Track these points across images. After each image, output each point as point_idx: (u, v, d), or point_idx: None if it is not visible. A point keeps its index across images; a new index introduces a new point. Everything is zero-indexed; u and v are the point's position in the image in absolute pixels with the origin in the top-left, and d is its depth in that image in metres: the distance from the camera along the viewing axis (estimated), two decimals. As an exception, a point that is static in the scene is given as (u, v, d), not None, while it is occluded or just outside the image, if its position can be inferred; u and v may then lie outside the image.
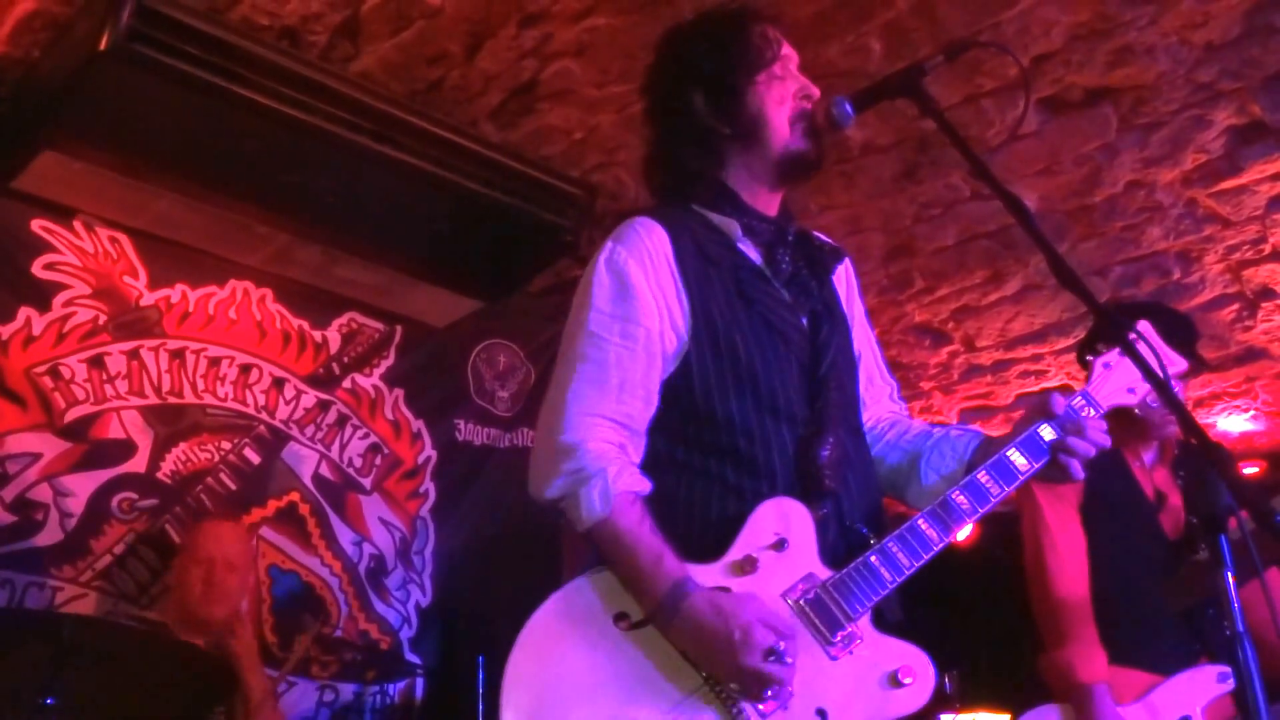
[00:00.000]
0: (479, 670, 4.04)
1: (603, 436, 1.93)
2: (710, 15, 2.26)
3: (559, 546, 4.73)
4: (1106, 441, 2.05)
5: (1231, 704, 3.09)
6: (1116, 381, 2.16)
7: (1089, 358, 2.19)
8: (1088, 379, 2.16)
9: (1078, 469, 2.04)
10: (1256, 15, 3.55)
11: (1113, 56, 3.74)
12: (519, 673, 1.79)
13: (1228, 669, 3.06)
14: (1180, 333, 3.33)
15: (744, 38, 2.17)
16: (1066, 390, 2.15)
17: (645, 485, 1.93)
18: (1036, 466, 2.03)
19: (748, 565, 1.87)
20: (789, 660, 1.78)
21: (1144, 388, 2.16)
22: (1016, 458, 2.03)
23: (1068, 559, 3.16)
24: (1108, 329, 2.02)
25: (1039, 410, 2.08)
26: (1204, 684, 3.07)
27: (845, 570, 1.91)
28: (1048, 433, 2.04)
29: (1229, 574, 2.34)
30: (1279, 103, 3.88)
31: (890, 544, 1.93)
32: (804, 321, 2.11)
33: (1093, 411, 2.10)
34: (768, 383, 2.01)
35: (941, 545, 1.95)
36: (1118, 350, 2.14)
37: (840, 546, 1.95)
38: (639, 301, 2.00)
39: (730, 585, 1.85)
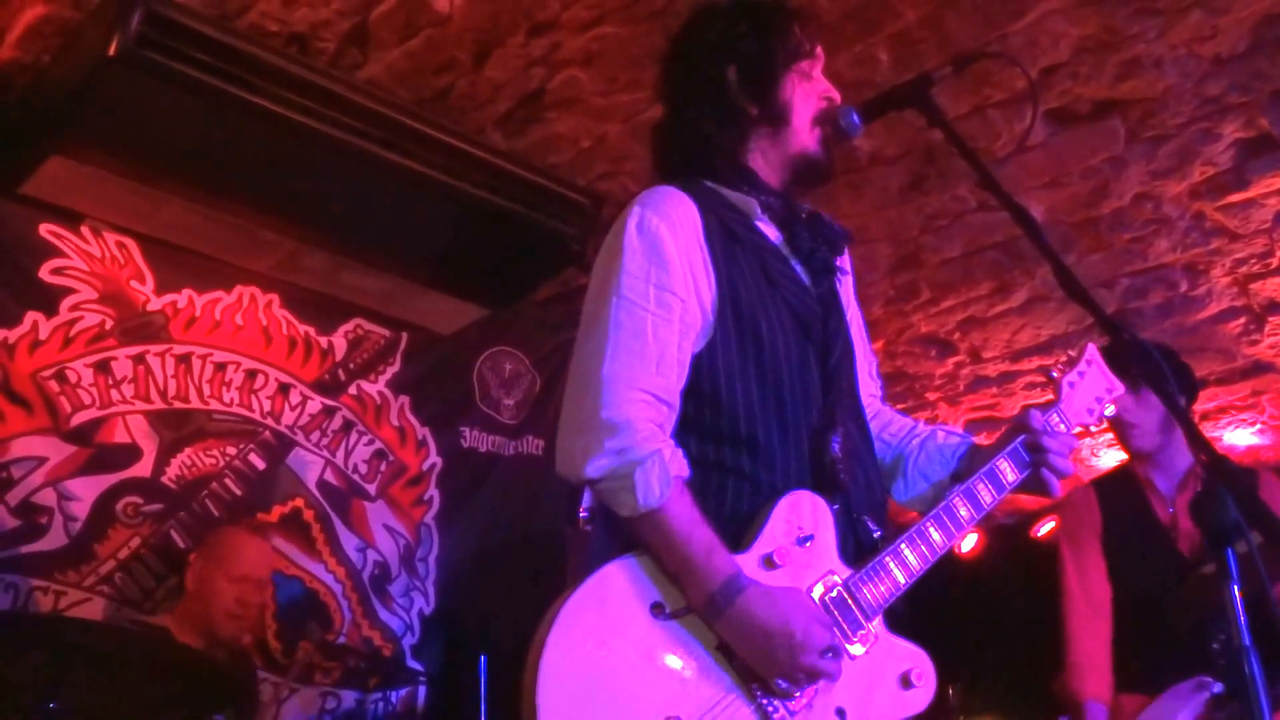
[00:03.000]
0: (481, 678, 4.04)
1: (647, 415, 1.86)
2: (752, 1, 2.23)
3: (563, 554, 4.73)
4: (1071, 467, 2.12)
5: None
6: (1079, 402, 2.24)
7: (1053, 374, 2.25)
8: (1058, 398, 2.23)
9: (1055, 485, 2.10)
10: (1265, 29, 3.54)
11: (1121, 69, 3.74)
12: (556, 664, 1.71)
13: (1207, 679, 3.19)
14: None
15: (786, 29, 2.17)
16: (1044, 406, 2.21)
17: (687, 470, 1.87)
18: (1020, 478, 2.10)
19: (776, 559, 1.85)
20: (839, 660, 1.81)
21: (1097, 409, 2.26)
22: (1005, 468, 2.10)
23: (1081, 601, 3.52)
24: (1118, 349, 2.07)
25: (1020, 425, 2.14)
26: (1183, 696, 3.20)
27: (863, 570, 1.92)
28: (1030, 446, 2.11)
29: (1235, 587, 2.34)
30: (1287, 116, 3.88)
31: (902, 545, 1.95)
32: (817, 306, 2.10)
33: (1064, 428, 2.18)
34: (789, 371, 1.99)
35: (944, 550, 1.98)
36: (1077, 371, 2.25)
37: (851, 541, 1.96)
38: (672, 269, 1.94)
39: (760, 579, 1.83)
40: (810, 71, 2.18)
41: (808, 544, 1.88)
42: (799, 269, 2.11)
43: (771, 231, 2.11)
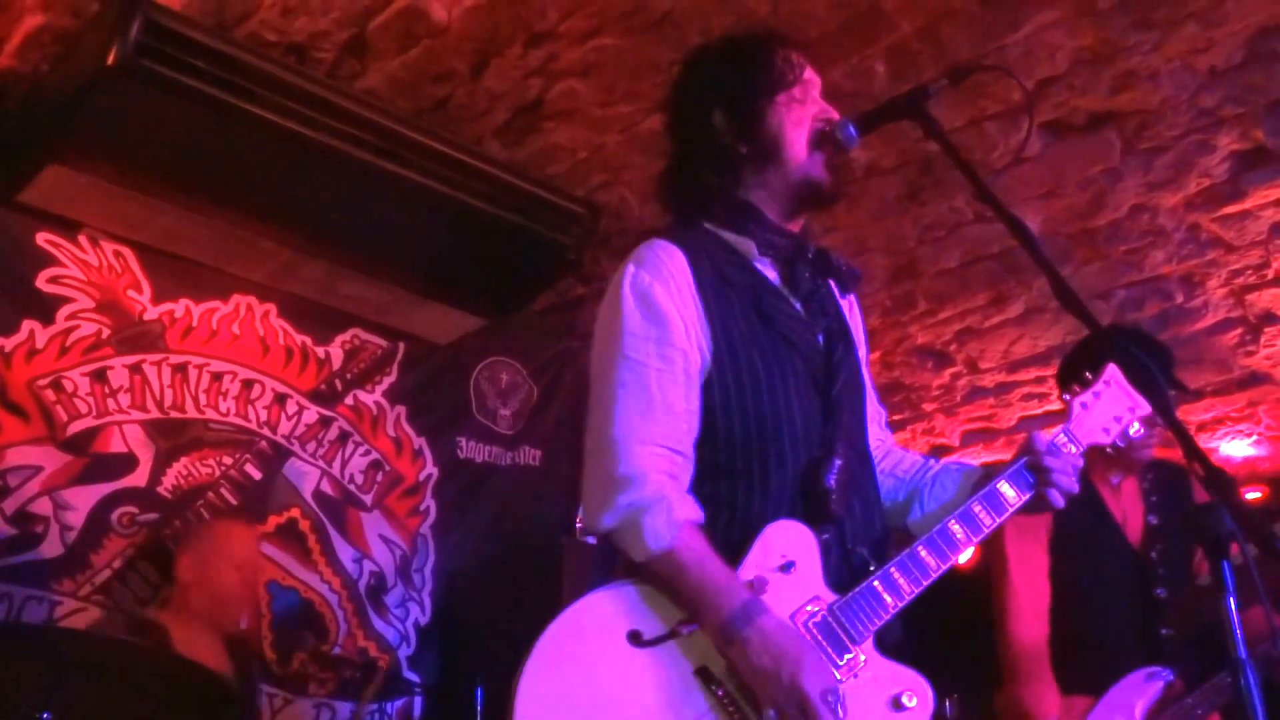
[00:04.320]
0: (477, 689, 4.03)
1: (657, 466, 1.93)
2: (734, 37, 2.27)
3: (559, 565, 4.73)
4: (1075, 485, 2.12)
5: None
6: (1093, 421, 2.24)
7: (1066, 397, 2.26)
8: (1067, 418, 2.22)
9: (1057, 498, 2.10)
10: (1259, 41, 3.56)
11: (1116, 81, 3.76)
12: (533, 690, 1.77)
13: (1157, 669, 3.21)
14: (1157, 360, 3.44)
15: (766, 59, 2.18)
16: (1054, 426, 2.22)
17: (700, 513, 1.93)
18: (1025, 498, 2.09)
19: (757, 586, 1.88)
20: (841, 713, 1.81)
21: (1117, 428, 2.25)
22: (1006, 489, 2.09)
23: (1026, 602, 3.39)
24: (1102, 359, 2.09)
25: (1024, 448, 2.14)
26: (1133, 688, 3.20)
27: (850, 595, 1.92)
28: (1032, 467, 2.11)
29: (1231, 599, 2.35)
30: (1282, 128, 3.89)
31: (892, 569, 1.96)
32: (820, 340, 2.12)
33: (1073, 448, 2.17)
34: (786, 404, 2.02)
35: (940, 572, 1.98)
36: (1092, 392, 2.24)
37: (843, 571, 1.97)
38: (669, 323, 2.00)
39: None
40: (803, 95, 2.18)
41: (790, 570, 1.91)
42: (799, 306, 2.13)
43: (771, 270, 2.14)
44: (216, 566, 3.63)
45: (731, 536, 1.94)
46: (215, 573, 3.62)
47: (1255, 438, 5.93)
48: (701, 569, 1.85)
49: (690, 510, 1.91)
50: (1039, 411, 5.69)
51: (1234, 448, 6.00)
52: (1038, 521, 3.47)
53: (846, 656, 1.89)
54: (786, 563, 1.90)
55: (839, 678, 1.87)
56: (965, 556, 2.07)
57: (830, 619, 1.90)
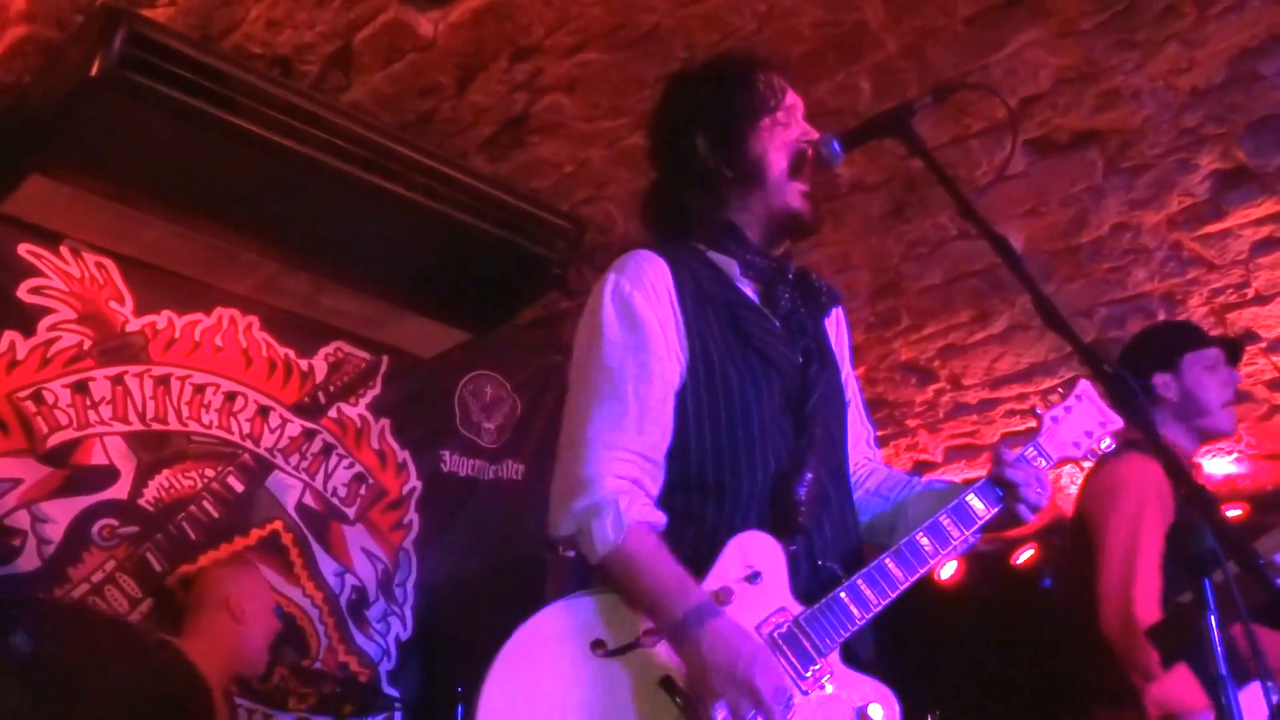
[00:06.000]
0: (458, 705, 4.01)
1: (618, 471, 1.93)
2: (717, 61, 2.32)
3: (542, 580, 4.72)
4: (1049, 490, 2.13)
5: None
6: (1063, 435, 2.26)
7: (1038, 410, 2.27)
8: (1038, 431, 2.23)
9: (1025, 512, 2.11)
10: (1240, 62, 3.59)
11: (1099, 100, 3.78)
12: (492, 700, 1.78)
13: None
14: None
15: (749, 83, 2.21)
16: (1022, 439, 2.24)
17: (659, 518, 1.93)
18: (994, 511, 2.10)
19: (723, 596, 1.88)
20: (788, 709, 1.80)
21: (1087, 443, 2.26)
22: (975, 503, 2.10)
23: (1150, 589, 2.88)
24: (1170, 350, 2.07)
25: (993, 458, 2.16)
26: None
27: (816, 606, 1.93)
28: (997, 480, 2.12)
29: (1212, 617, 2.35)
30: (1262, 148, 3.92)
31: (859, 581, 1.97)
32: (798, 358, 2.14)
33: (1043, 461, 2.19)
34: (758, 415, 2.04)
35: (907, 584, 2.00)
36: (1063, 406, 2.26)
37: (813, 584, 1.98)
38: (648, 332, 2.01)
39: None
40: (786, 119, 2.21)
41: (757, 581, 1.91)
42: (777, 324, 2.15)
43: (751, 289, 2.17)
44: (260, 613, 3.70)
45: (700, 548, 1.94)
46: (260, 616, 3.68)
47: (1236, 455, 5.96)
48: (654, 568, 1.85)
49: (644, 512, 1.91)
50: (1022, 428, 5.70)
51: (1215, 465, 6.02)
52: (1160, 508, 2.99)
53: (812, 668, 1.89)
54: (753, 573, 1.91)
55: (804, 690, 1.87)
56: (947, 570, 2.08)
57: (796, 630, 1.90)
